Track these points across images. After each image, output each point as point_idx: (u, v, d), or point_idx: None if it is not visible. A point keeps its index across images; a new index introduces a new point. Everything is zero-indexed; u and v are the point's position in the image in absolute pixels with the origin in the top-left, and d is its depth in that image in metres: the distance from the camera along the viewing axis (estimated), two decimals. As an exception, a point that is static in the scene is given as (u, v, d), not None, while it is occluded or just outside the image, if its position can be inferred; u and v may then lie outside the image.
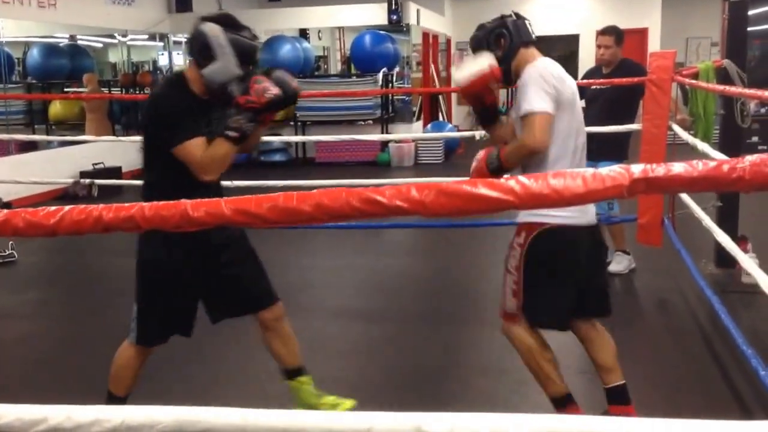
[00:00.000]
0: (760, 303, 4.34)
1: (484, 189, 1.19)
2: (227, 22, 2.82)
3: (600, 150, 5.24)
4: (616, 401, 3.07)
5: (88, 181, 8.06)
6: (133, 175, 11.63)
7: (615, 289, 5.40)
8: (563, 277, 2.95)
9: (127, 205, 1.43)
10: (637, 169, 1.08)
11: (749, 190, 0.94)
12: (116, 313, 5.19)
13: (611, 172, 1.11)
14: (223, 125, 2.75)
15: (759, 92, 3.48)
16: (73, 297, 5.82)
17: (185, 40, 17.16)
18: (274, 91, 2.75)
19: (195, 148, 2.74)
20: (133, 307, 3.04)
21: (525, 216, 2.91)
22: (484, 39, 3.06)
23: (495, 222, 6.00)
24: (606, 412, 3.05)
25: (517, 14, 3.10)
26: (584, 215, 2.93)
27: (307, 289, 5.43)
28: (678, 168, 1.04)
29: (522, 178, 1.18)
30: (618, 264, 5.54)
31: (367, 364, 4.11)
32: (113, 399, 3.09)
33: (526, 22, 3.08)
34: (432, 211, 1.28)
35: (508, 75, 3.02)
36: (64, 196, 9.52)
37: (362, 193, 1.31)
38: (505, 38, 3.00)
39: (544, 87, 2.84)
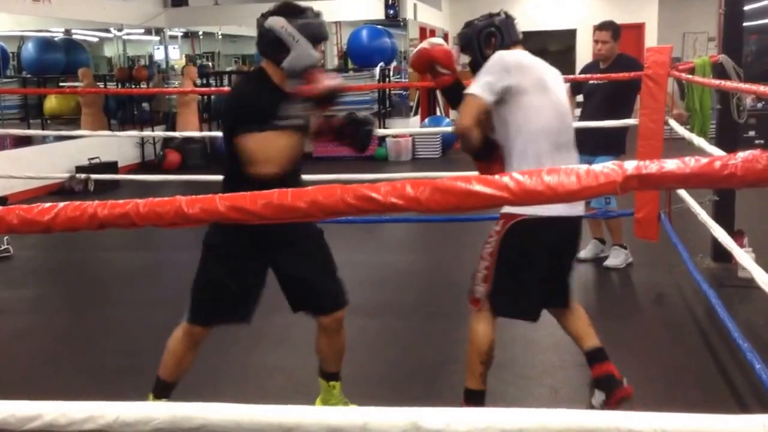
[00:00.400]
0: (756, 297, 4.35)
1: (478, 186, 1.19)
2: (288, 10, 2.81)
3: (597, 145, 5.25)
4: (596, 361, 3.12)
5: (84, 176, 8.05)
6: (130, 169, 11.65)
7: (612, 283, 5.42)
8: (533, 270, 2.99)
9: (121, 201, 1.43)
10: (630, 165, 1.08)
11: (741, 186, 0.94)
12: (113, 308, 5.21)
13: (605, 168, 1.11)
14: (282, 116, 2.69)
15: (755, 87, 3.48)
16: (69, 292, 5.81)
17: (181, 34, 17.05)
18: (330, 81, 2.74)
19: (251, 140, 2.68)
20: (191, 287, 3.06)
21: (507, 207, 2.90)
22: (474, 37, 3.08)
23: (494, 216, 6.00)
24: (604, 401, 3.09)
25: (506, 13, 3.12)
26: (565, 206, 2.88)
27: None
28: (670, 165, 1.04)
29: (516, 175, 1.18)
30: (615, 258, 5.54)
31: (365, 358, 4.11)
32: (161, 386, 3.10)
33: (515, 21, 3.11)
34: (427, 208, 1.28)
35: None
36: (60, 191, 9.49)
37: (357, 190, 1.31)
38: (496, 37, 3.03)
39: (491, 73, 2.89)
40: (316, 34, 2.81)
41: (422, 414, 1.47)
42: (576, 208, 3.02)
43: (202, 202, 1.41)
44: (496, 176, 1.20)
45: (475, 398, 3.07)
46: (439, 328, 4.51)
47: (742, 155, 0.99)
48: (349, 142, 3.00)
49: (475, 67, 3.05)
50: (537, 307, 3.07)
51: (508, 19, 3.08)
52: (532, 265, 2.98)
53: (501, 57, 2.94)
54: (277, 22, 2.76)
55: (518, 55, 3.00)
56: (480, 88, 2.88)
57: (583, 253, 5.48)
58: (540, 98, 2.92)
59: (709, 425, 1.26)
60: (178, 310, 4.99)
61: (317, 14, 2.87)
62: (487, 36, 3.04)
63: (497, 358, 3.97)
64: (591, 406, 3.17)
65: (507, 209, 2.94)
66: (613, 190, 1.10)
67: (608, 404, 3.06)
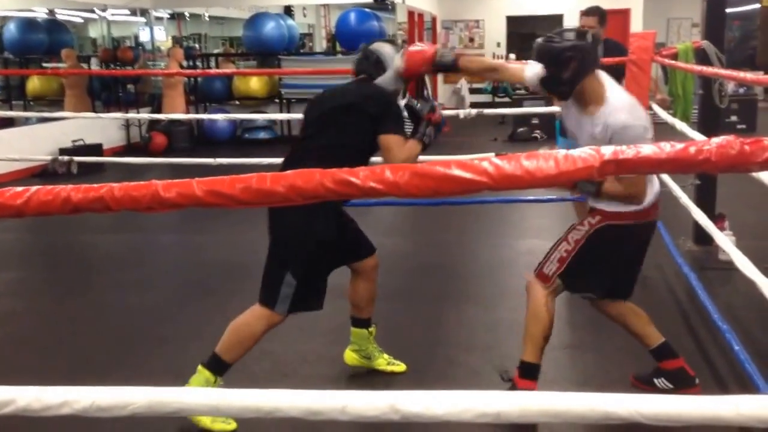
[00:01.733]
0: (736, 279, 4.38)
1: (457, 170, 1.19)
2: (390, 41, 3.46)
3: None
4: (662, 358, 3.29)
5: (67, 158, 7.97)
6: (115, 152, 11.56)
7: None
8: (611, 270, 3.12)
9: (96, 185, 1.42)
10: (607, 150, 1.08)
11: (716, 171, 0.94)
12: (99, 290, 5.18)
13: (582, 153, 1.11)
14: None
15: (735, 73, 3.49)
16: (51, 275, 5.78)
17: (167, 16, 16.86)
18: (440, 110, 3.34)
19: (400, 141, 3.17)
20: (285, 278, 3.12)
21: (606, 205, 3.03)
22: (555, 57, 2.95)
23: (482, 200, 6.03)
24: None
25: (594, 36, 3.02)
26: (654, 209, 3.09)
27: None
28: (647, 150, 1.04)
29: (495, 159, 1.18)
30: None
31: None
32: (221, 365, 3.17)
33: (599, 46, 3.03)
34: (406, 192, 1.27)
35: (568, 93, 3.03)
36: (43, 173, 9.38)
37: (336, 174, 1.31)
38: (576, 63, 2.93)
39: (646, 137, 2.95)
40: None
41: (401, 397, 1.48)
42: (656, 210, 3.12)
43: (179, 186, 1.40)
44: (475, 161, 1.19)
45: (532, 371, 3.13)
46: (425, 312, 4.52)
47: (716, 141, 0.99)
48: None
49: (549, 84, 3.02)
50: (603, 288, 3.18)
51: (593, 46, 2.98)
52: (611, 264, 3.11)
53: (633, 125, 2.92)
54: (383, 47, 3.41)
55: (640, 110, 3.07)
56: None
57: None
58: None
59: (684, 407, 1.27)
60: (163, 294, 5.01)
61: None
62: (569, 59, 2.93)
63: (485, 340, 4.00)
64: (650, 384, 3.29)
65: (607, 206, 3.03)
66: (590, 174, 1.10)
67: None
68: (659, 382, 3.28)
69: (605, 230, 3.04)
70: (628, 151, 1.06)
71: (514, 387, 3.11)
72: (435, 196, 1.42)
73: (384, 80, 3.31)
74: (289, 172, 1.34)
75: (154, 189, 1.42)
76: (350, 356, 3.61)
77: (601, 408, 1.29)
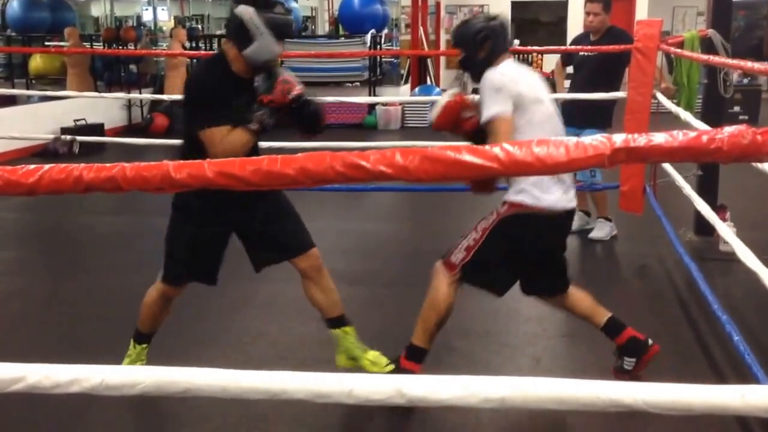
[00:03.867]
0: (737, 270, 4.39)
1: (468, 155, 1.19)
2: (258, 1, 2.92)
3: (584, 117, 5.26)
4: (614, 334, 3.27)
5: (69, 137, 7.95)
6: (117, 132, 11.54)
7: (596, 254, 5.45)
8: (517, 259, 3.12)
9: (108, 165, 1.42)
10: (618, 138, 1.09)
11: (727, 161, 0.95)
12: (96, 272, 5.19)
13: (593, 141, 1.11)
14: (246, 116, 2.89)
15: (741, 63, 3.48)
16: (51, 256, 5.79)
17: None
18: (296, 91, 2.93)
19: (218, 134, 2.87)
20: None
21: (512, 194, 3.05)
22: (470, 38, 3.14)
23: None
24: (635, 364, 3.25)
25: (501, 20, 3.19)
26: (567, 198, 3.06)
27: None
28: (659, 138, 1.04)
29: (506, 146, 1.18)
30: (600, 230, 5.57)
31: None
32: (138, 335, 3.35)
33: (508, 29, 3.19)
34: (416, 177, 1.28)
35: (480, 75, 3.10)
36: (44, 152, 9.31)
37: (346, 158, 1.31)
38: (489, 42, 3.11)
39: (497, 88, 2.97)
40: (282, 30, 2.94)
41: (406, 381, 1.49)
42: (572, 200, 3.11)
43: (190, 168, 1.41)
44: (487, 147, 1.20)
45: (418, 355, 3.16)
46: (423, 296, 4.52)
47: (728, 130, 1.00)
48: (300, 127, 3.15)
49: (467, 64, 3.18)
50: (505, 287, 3.21)
51: (503, 27, 3.16)
52: (518, 254, 3.10)
53: (500, 73, 3.02)
54: (246, 12, 2.89)
55: (513, 69, 3.08)
56: (498, 105, 2.96)
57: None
58: (537, 110, 3.02)
59: (688, 395, 1.28)
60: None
61: (287, 11, 3.01)
62: (483, 39, 3.10)
63: (482, 326, 4.01)
64: (624, 371, 3.26)
65: (514, 195, 3.04)
66: (601, 162, 1.11)
67: (639, 366, 3.22)
68: (625, 363, 3.26)
69: (511, 219, 3.04)
70: (639, 140, 1.06)
71: (397, 366, 3.17)
72: (444, 181, 1.43)
73: (253, 53, 2.90)
74: (300, 154, 1.35)
75: (165, 170, 1.43)
76: (339, 359, 3.41)
77: (606, 396, 1.30)
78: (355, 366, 3.34)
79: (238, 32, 2.90)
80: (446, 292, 3.13)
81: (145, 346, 3.34)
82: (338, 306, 3.32)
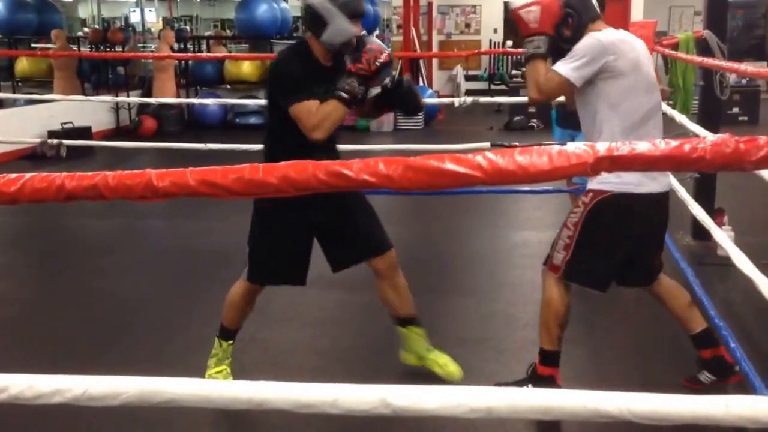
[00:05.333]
0: (734, 276, 4.37)
1: (451, 164, 1.18)
2: None
3: (579, 121, 5.25)
4: (703, 346, 3.22)
5: (56, 141, 7.89)
6: (104, 135, 11.49)
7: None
8: (614, 246, 3.05)
9: (90, 174, 1.41)
10: (602, 147, 1.08)
11: (710, 170, 0.94)
12: (84, 276, 5.15)
13: (577, 149, 1.10)
14: (336, 87, 2.93)
15: (736, 65, 3.48)
16: (39, 259, 5.75)
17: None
18: (383, 58, 2.93)
19: (308, 107, 2.91)
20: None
21: (594, 183, 2.97)
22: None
23: (476, 190, 6.00)
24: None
25: None
26: (654, 182, 2.97)
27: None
28: (641, 147, 1.04)
29: (489, 154, 1.17)
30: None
31: (340, 332, 4.12)
32: (224, 332, 3.36)
33: None
34: (399, 186, 1.27)
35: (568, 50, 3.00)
36: (31, 156, 9.17)
37: (329, 166, 1.30)
38: (573, 18, 3.00)
39: (585, 56, 2.89)
40: (352, 8, 2.96)
41: (392, 391, 1.47)
42: (663, 183, 3.04)
43: (173, 176, 1.39)
44: (469, 155, 1.19)
45: (551, 359, 3.13)
46: (418, 303, 4.49)
47: (711, 139, 0.99)
48: (397, 108, 3.28)
49: (554, 49, 3.03)
50: (608, 280, 3.12)
51: None
52: (615, 241, 3.04)
53: (598, 40, 2.92)
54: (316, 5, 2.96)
55: (613, 36, 2.97)
56: (571, 70, 2.90)
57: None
58: (634, 79, 2.93)
59: (673, 405, 1.27)
60: (152, 279, 5.00)
61: None
62: (564, 17, 3.00)
63: (478, 333, 4.00)
64: (698, 381, 3.21)
65: (596, 184, 2.97)
66: (584, 171, 1.10)
67: (718, 383, 3.17)
68: (703, 377, 3.22)
69: (598, 207, 2.98)
70: (622, 148, 1.05)
71: (534, 373, 3.13)
72: (428, 190, 1.42)
73: (328, 37, 2.95)
74: (282, 163, 1.34)
75: (148, 178, 1.41)
76: (407, 357, 3.47)
77: (592, 405, 1.29)
78: (422, 364, 3.40)
79: (313, 20, 2.97)
80: (558, 293, 3.08)
81: (231, 342, 3.37)
82: (410, 305, 3.39)
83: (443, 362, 3.38)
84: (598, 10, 3.06)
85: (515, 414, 1.38)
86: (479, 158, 1.16)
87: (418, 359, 3.41)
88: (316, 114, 2.91)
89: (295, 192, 1.34)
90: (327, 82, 2.98)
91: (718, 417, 1.22)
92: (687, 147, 1.01)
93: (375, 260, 3.27)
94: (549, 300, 3.10)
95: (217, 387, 1.57)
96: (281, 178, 1.32)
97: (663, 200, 3.10)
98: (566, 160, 1.10)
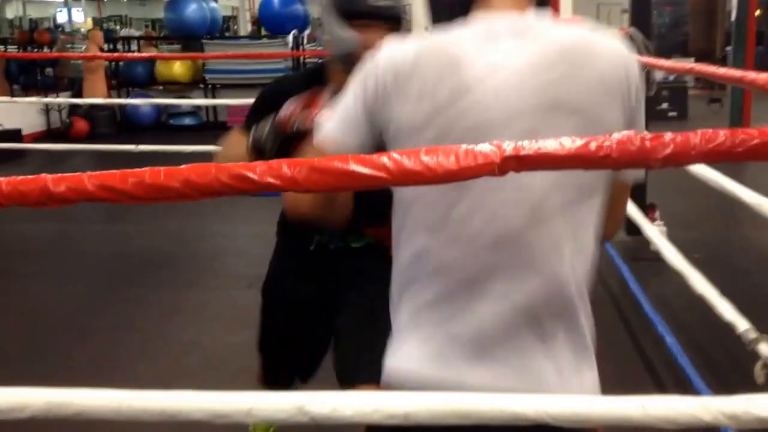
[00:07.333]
0: (667, 270, 4.44)
1: (355, 165, 1.15)
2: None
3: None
4: None
5: (-18, 145, 7.65)
6: (35, 138, 11.20)
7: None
8: None
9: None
10: (508, 146, 1.05)
11: (617, 168, 0.92)
12: (14, 282, 4.99)
13: (484, 149, 1.08)
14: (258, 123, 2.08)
15: (660, 62, 3.52)
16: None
17: None
18: (305, 125, 1.95)
19: (232, 134, 2.25)
20: None
21: None
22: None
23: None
24: None
25: None
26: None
27: (222, 257, 5.32)
28: (549, 146, 1.01)
29: (395, 155, 1.14)
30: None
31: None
32: None
33: None
34: (305, 188, 1.23)
35: None
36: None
37: (232, 170, 1.25)
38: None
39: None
40: (345, 7, 2.08)
41: (309, 398, 1.44)
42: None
43: (69, 181, 1.33)
44: (374, 156, 1.15)
45: None
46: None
47: (616, 137, 0.97)
48: None
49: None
50: None
51: None
52: None
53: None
54: (319, 7, 2.25)
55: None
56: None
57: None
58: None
59: (590, 407, 1.26)
60: (86, 287, 4.86)
61: None
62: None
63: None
64: None
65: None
66: (491, 170, 1.07)
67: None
68: None
69: None
70: (529, 147, 1.03)
71: None
72: (335, 192, 1.38)
73: (332, 50, 2.17)
74: (184, 166, 1.28)
75: (44, 183, 1.34)
76: None
77: (509, 409, 1.27)
78: None
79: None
80: None
81: None
82: None
83: None
84: None
85: (433, 419, 1.35)
86: (384, 159, 1.13)
87: None
88: (227, 144, 2.25)
89: (199, 196, 1.29)
90: None
91: (635, 418, 1.20)
92: (593, 145, 0.99)
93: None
94: None
95: (127, 398, 1.51)
96: (183, 182, 1.27)
97: None
98: (473, 160, 1.08)
